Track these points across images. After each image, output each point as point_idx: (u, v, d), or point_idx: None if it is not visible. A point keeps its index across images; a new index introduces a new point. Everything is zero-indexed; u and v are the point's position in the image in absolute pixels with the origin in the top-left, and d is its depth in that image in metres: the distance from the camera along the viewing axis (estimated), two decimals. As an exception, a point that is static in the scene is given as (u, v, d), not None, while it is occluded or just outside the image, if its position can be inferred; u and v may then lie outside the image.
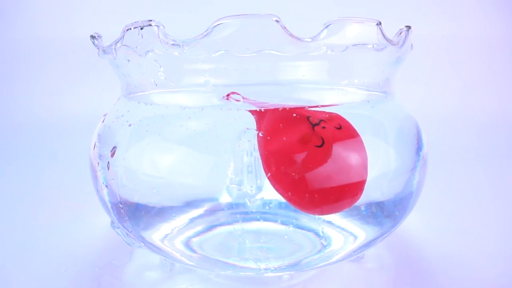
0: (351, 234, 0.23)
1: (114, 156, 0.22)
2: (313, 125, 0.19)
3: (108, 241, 0.30)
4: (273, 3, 0.59)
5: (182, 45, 0.20)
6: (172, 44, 0.20)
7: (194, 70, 0.22)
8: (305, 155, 0.19)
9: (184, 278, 0.25)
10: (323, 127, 0.19)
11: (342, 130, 0.20)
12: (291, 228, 0.23)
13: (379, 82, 0.24)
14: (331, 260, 0.23)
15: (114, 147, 0.22)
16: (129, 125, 0.23)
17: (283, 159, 0.19)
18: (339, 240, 0.23)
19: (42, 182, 0.45)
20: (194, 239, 0.23)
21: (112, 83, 0.31)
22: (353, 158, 0.19)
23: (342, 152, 0.19)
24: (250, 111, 0.21)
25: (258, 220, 0.21)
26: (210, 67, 0.21)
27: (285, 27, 0.19)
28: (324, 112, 0.20)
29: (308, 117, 0.20)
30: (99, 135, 0.25)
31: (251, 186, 0.20)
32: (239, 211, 0.21)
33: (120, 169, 0.22)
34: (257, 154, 0.20)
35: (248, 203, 0.20)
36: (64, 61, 0.67)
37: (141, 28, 0.21)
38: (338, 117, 0.20)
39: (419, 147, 0.24)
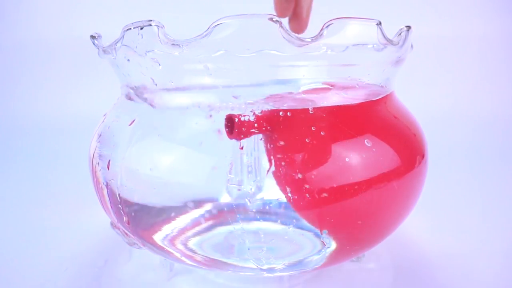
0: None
1: (132, 125, 0.22)
2: None
3: (108, 241, 0.30)
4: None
5: (182, 45, 0.20)
6: (172, 44, 0.20)
7: (194, 70, 0.22)
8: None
9: (184, 278, 0.25)
10: None
11: None
12: (291, 228, 0.23)
13: (379, 82, 0.24)
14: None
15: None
16: (129, 125, 0.23)
17: None
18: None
19: (42, 182, 0.45)
20: (194, 239, 0.23)
21: (112, 83, 0.31)
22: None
23: None
24: None
25: (258, 220, 0.21)
26: (210, 67, 0.21)
27: (285, 27, 0.19)
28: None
29: None
30: (99, 135, 0.25)
31: (251, 186, 0.20)
32: (239, 211, 0.21)
33: (120, 169, 0.22)
34: (257, 154, 0.20)
35: (248, 203, 0.20)
36: (64, 61, 0.67)
37: (141, 28, 0.21)
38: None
39: (419, 147, 0.24)
